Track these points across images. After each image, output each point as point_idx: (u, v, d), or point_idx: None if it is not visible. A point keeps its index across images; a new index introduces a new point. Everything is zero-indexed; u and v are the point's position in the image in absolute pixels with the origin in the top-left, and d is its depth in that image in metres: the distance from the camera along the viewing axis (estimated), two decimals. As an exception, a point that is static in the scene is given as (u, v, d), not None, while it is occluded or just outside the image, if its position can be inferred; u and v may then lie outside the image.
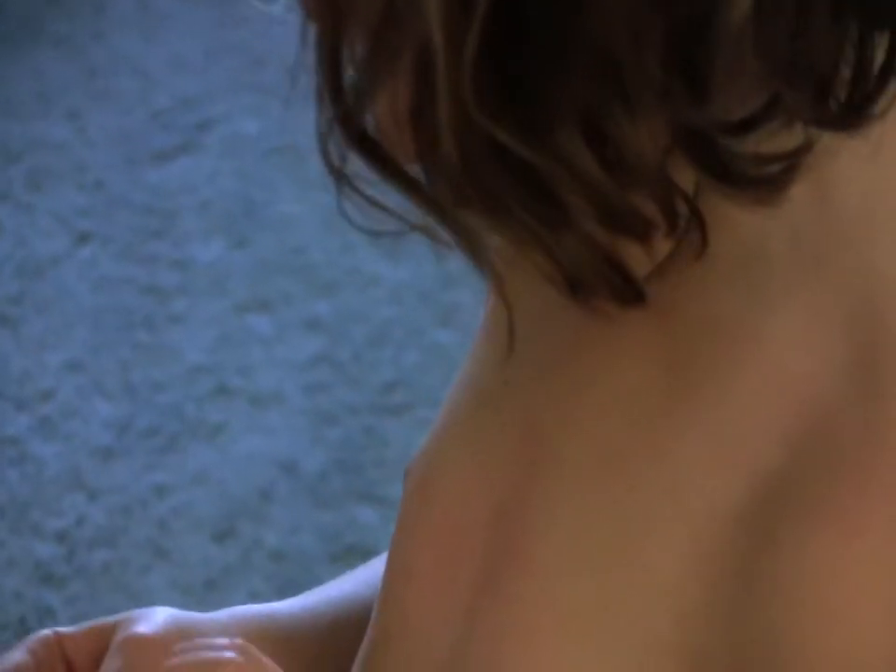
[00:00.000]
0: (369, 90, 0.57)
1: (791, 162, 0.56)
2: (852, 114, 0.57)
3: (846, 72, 0.56)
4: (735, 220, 0.59)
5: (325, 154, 0.58)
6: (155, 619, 0.78)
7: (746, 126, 0.56)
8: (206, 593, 2.06)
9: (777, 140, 0.57)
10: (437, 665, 0.67)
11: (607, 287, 0.59)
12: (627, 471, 0.61)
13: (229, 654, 0.67)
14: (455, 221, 0.58)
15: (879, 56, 0.56)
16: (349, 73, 0.57)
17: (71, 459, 2.20)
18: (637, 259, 0.60)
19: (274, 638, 0.82)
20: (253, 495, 2.17)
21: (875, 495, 0.55)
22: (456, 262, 0.60)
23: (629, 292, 0.60)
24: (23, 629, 2.05)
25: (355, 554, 2.01)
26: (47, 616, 2.07)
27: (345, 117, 0.58)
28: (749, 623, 0.57)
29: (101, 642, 0.78)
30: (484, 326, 0.72)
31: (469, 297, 2.23)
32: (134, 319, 2.35)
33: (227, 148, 2.57)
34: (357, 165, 0.59)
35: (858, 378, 0.57)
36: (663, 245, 0.59)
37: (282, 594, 0.97)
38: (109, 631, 0.78)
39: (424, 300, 2.32)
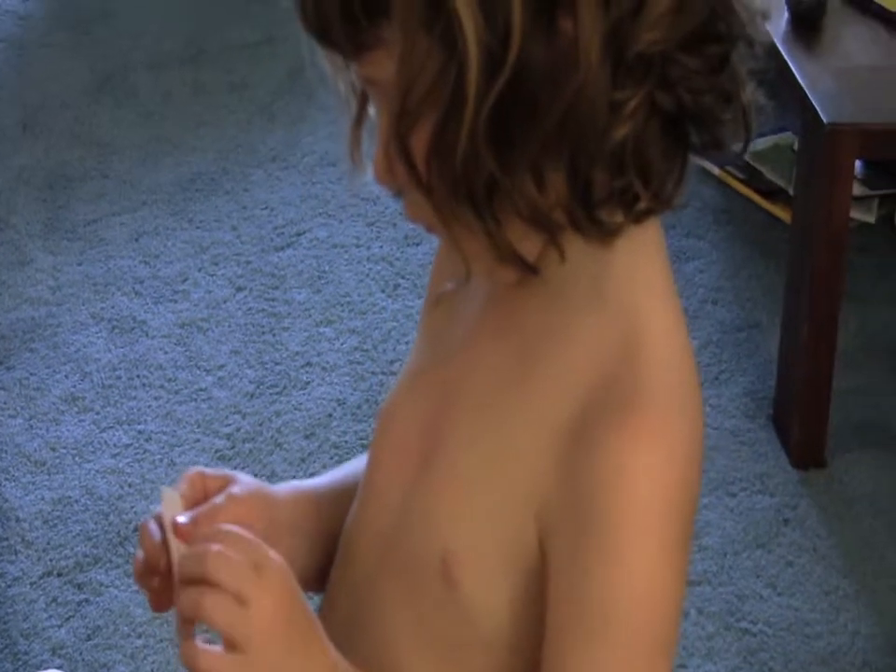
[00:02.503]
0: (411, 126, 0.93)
1: (618, 229, 0.95)
2: (664, 202, 0.96)
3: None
4: (567, 268, 0.97)
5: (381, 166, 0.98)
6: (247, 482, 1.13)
7: (610, 198, 0.94)
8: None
9: (613, 213, 0.94)
10: (392, 511, 1.05)
11: (515, 269, 0.96)
12: (500, 402, 1.00)
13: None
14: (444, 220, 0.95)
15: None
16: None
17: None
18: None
19: (314, 503, 1.16)
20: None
21: (635, 414, 0.94)
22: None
23: (530, 270, 0.96)
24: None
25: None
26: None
27: (401, 127, 0.93)
28: (578, 480, 0.94)
29: (223, 485, 1.11)
30: (424, 312, 1.14)
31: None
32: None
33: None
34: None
35: (627, 358, 0.95)
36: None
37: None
38: (230, 480, 1.12)
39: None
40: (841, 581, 2.48)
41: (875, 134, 2.48)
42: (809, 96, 2.47)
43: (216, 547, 0.94)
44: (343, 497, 1.15)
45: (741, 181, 3.24)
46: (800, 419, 2.68)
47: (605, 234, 0.94)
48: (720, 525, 2.54)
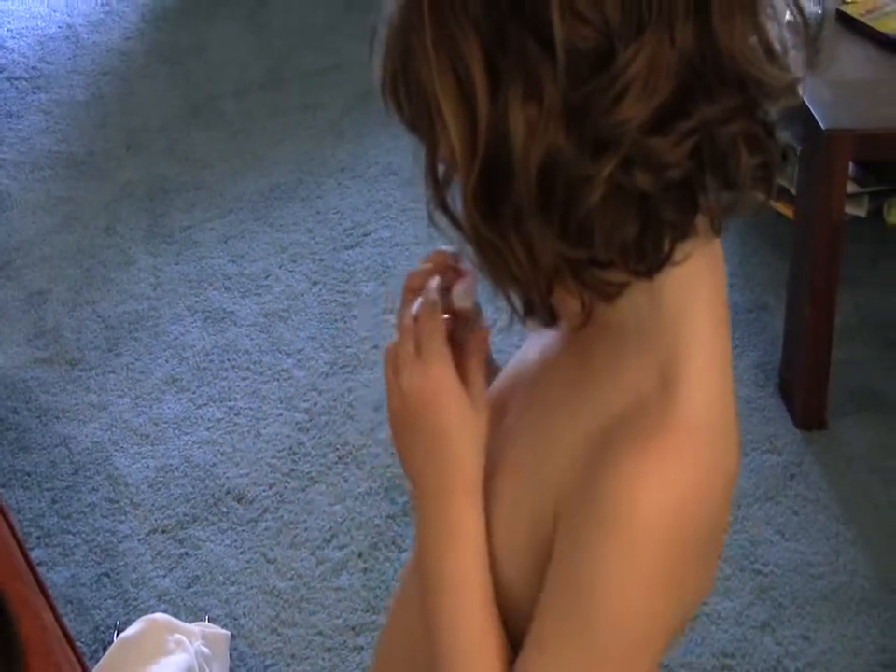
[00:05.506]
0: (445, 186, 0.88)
1: (619, 288, 0.88)
2: (650, 271, 0.87)
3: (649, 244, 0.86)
4: (610, 311, 0.91)
5: (430, 215, 0.89)
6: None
7: (600, 266, 0.87)
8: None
9: (616, 274, 0.88)
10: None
11: (542, 320, 0.93)
12: (557, 409, 0.97)
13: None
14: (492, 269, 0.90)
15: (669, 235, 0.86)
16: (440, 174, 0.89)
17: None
18: (565, 311, 0.94)
19: None
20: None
21: (657, 443, 0.89)
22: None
23: (550, 322, 0.94)
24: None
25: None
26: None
27: (436, 196, 0.89)
28: (594, 481, 0.89)
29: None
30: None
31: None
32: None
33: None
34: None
35: (661, 388, 0.91)
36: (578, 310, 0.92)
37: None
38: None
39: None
40: (841, 528, 2.47)
41: (866, 138, 2.46)
42: (809, 107, 2.46)
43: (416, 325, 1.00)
44: None
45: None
46: (803, 387, 2.67)
47: (607, 294, 0.89)
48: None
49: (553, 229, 0.85)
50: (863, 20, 2.73)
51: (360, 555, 2.42)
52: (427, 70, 0.85)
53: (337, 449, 2.63)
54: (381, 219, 3.24)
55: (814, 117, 2.44)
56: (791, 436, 2.66)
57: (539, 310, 0.92)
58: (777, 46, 0.86)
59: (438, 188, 0.88)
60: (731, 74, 0.83)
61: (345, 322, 2.95)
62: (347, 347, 2.88)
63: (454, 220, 0.88)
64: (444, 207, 0.88)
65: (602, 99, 0.81)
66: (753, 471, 2.58)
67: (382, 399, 2.70)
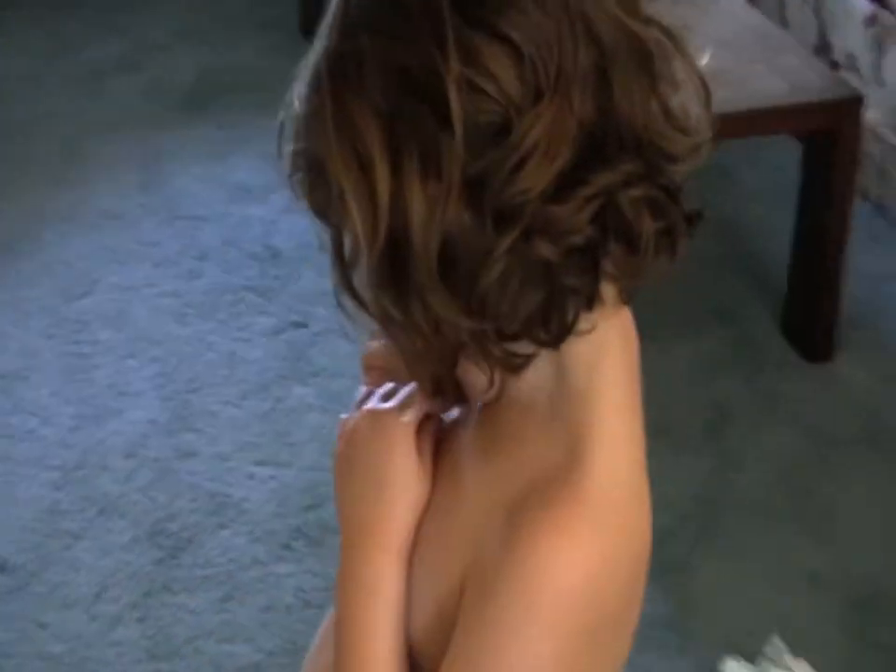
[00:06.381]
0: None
1: (526, 360, 0.88)
2: (556, 341, 0.86)
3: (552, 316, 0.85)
4: (519, 384, 0.91)
5: (337, 300, 0.89)
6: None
7: (506, 339, 0.86)
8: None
9: (522, 346, 0.87)
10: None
11: (452, 397, 0.95)
12: (467, 481, 0.96)
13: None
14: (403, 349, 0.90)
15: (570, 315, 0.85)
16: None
17: None
18: (474, 386, 0.94)
19: None
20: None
21: (565, 512, 0.88)
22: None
23: (459, 400, 0.95)
24: None
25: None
26: None
27: (343, 279, 0.88)
28: (499, 551, 0.88)
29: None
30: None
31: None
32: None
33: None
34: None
35: (568, 457, 0.90)
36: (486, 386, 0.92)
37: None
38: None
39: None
40: None
41: None
42: None
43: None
44: None
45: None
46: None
47: (513, 366, 0.88)
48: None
49: (457, 303, 0.83)
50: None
51: (134, 606, 2.36)
52: (328, 152, 0.84)
53: (96, 502, 2.57)
54: (109, 264, 3.17)
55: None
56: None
57: (447, 387, 0.92)
58: (677, 111, 0.85)
59: (344, 271, 0.87)
60: (630, 140, 0.83)
61: (86, 373, 2.87)
62: (92, 398, 2.81)
63: (360, 302, 0.87)
64: (351, 290, 0.87)
65: (501, 170, 0.80)
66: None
67: (135, 446, 2.67)
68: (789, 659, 2.11)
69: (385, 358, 1.01)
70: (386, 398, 1.00)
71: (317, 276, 3.02)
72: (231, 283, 3.08)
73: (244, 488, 2.56)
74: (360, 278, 0.87)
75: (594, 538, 0.87)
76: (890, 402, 2.75)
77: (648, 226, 0.84)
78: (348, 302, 0.88)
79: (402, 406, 0.98)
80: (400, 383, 1.00)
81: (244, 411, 2.74)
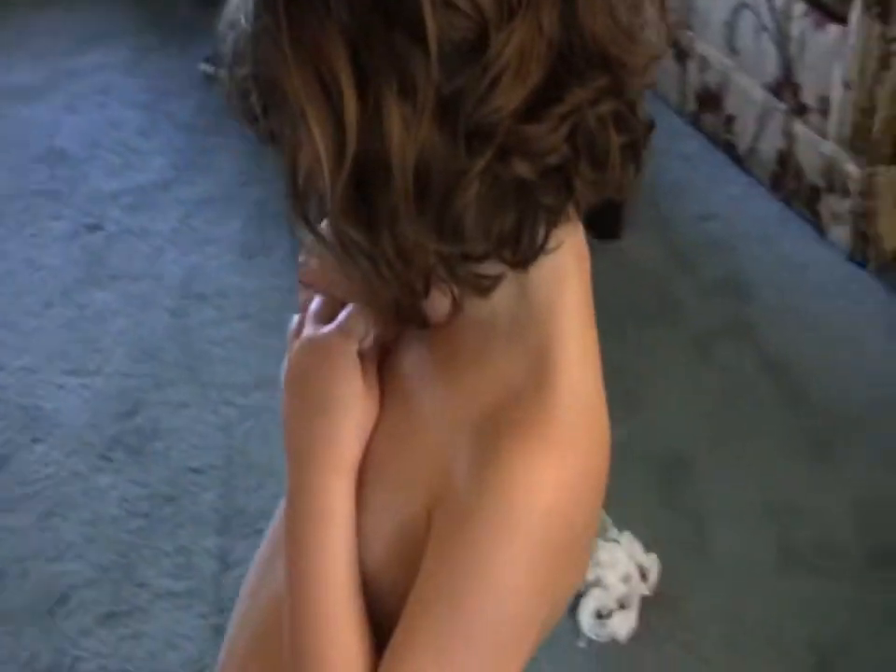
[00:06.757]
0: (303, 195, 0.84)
1: (494, 281, 0.86)
2: (526, 261, 0.86)
3: (526, 235, 0.85)
4: (480, 305, 0.89)
5: (290, 228, 0.85)
6: None
7: (475, 260, 0.85)
8: None
9: (490, 267, 0.85)
10: None
11: (416, 322, 0.91)
12: (422, 404, 0.94)
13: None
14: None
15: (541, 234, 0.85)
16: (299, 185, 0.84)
17: None
18: (434, 308, 0.90)
19: None
20: None
21: (538, 430, 0.87)
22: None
23: (423, 325, 0.91)
24: None
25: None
26: None
27: (297, 207, 0.84)
28: (474, 474, 0.87)
29: None
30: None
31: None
32: None
33: None
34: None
35: (534, 376, 0.89)
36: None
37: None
38: None
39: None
40: None
41: None
42: None
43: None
44: None
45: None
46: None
47: (482, 288, 0.87)
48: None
49: (430, 227, 0.81)
50: None
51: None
52: (285, 74, 0.79)
53: None
54: None
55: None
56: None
57: (409, 313, 0.89)
58: (635, 25, 0.85)
59: (298, 199, 0.84)
60: (596, 56, 0.82)
61: None
62: None
63: (315, 232, 0.84)
64: (305, 219, 0.84)
65: (476, 89, 0.79)
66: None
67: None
68: (615, 533, 2.20)
69: (324, 277, 0.98)
70: (322, 317, 0.98)
71: (106, 176, 2.94)
72: (20, 187, 2.97)
73: (55, 400, 2.50)
74: (315, 207, 0.84)
75: (564, 455, 0.87)
76: (677, 276, 2.84)
77: (614, 140, 0.84)
78: (302, 232, 0.85)
79: (344, 330, 0.96)
80: (339, 300, 0.98)
81: (47, 320, 2.66)
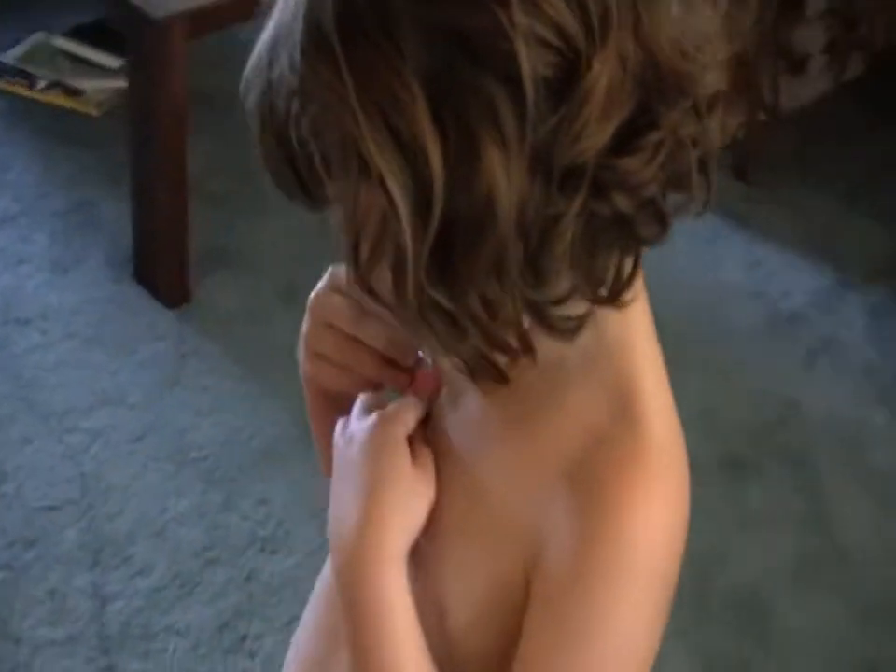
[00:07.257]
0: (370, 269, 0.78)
1: (580, 321, 0.80)
2: (614, 299, 0.79)
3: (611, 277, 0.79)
4: (550, 346, 0.81)
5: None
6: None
7: (562, 302, 0.78)
8: None
9: (575, 307, 0.79)
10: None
11: (491, 376, 0.82)
12: (479, 470, 0.88)
13: None
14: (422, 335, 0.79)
15: (628, 267, 0.80)
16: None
17: None
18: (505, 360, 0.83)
19: None
20: None
21: (637, 467, 0.82)
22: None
23: (502, 379, 0.82)
24: None
25: None
26: None
27: (363, 278, 0.78)
28: (578, 527, 0.82)
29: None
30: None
31: None
32: None
33: None
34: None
35: (617, 411, 0.83)
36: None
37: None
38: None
39: None
40: (245, 387, 2.43)
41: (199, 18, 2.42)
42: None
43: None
44: None
45: (28, 87, 3.01)
46: (165, 268, 2.59)
47: (569, 330, 0.80)
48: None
49: (526, 279, 0.76)
50: None
51: None
52: (352, 132, 0.71)
53: None
54: None
55: (139, 7, 2.38)
56: (166, 318, 2.56)
57: (489, 367, 0.81)
58: (696, 34, 0.78)
59: (362, 269, 0.77)
60: (670, 74, 0.75)
61: None
62: None
63: (386, 304, 0.79)
64: (371, 291, 0.78)
65: (570, 127, 0.72)
66: (150, 365, 2.48)
67: None
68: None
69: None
70: (370, 409, 0.92)
71: None
72: None
73: None
74: (385, 276, 0.77)
75: (661, 488, 0.83)
76: (251, 332, 2.60)
77: (693, 160, 0.78)
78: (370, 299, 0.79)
79: (390, 416, 0.89)
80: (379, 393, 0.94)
81: None
